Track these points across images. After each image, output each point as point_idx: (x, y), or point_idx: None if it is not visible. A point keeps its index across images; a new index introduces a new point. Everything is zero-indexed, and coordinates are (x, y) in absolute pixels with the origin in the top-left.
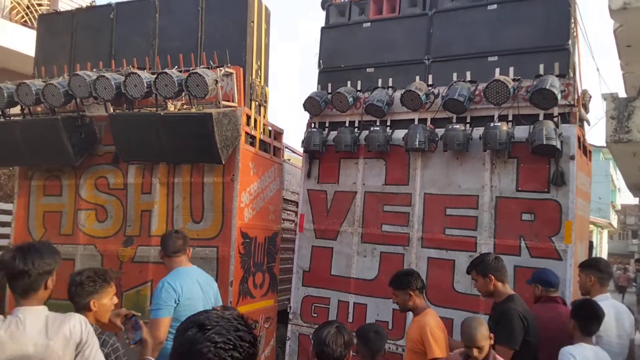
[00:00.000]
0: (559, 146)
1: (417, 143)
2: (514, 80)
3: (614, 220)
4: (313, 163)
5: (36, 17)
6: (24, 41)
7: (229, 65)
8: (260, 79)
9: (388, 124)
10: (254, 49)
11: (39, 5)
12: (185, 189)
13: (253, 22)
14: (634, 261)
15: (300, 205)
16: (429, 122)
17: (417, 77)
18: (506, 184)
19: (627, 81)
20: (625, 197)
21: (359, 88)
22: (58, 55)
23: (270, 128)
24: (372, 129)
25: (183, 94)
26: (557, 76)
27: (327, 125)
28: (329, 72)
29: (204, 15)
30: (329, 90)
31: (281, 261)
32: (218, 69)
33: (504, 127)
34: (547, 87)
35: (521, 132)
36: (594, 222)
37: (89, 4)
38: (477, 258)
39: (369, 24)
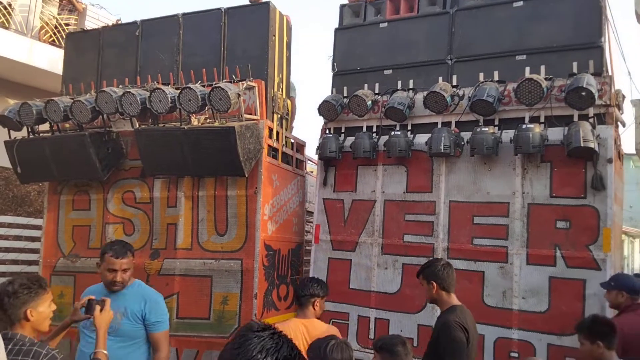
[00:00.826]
0: (597, 149)
1: (442, 147)
2: (546, 79)
3: None
4: (329, 171)
5: (64, 36)
6: (52, 60)
7: (251, 78)
8: (282, 91)
9: (409, 128)
10: (276, 62)
11: (67, 25)
12: (209, 202)
13: (275, 35)
14: None
15: (316, 215)
16: (453, 126)
17: (440, 79)
18: (539, 189)
19: None
20: None
21: (376, 91)
22: (85, 73)
23: (292, 140)
24: (392, 133)
25: (206, 108)
26: (592, 74)
27: (342, 130)
28: (344, 75)
29: (227, 30)
30: (345, 94)
31: (305, 273)
32: (240, 82)
33: (537, 129)
34: (584, 86)
35: (554, 134)
36: (625, 232)
37: (114, 22)
38: (427, 262)
39: (385, 24)
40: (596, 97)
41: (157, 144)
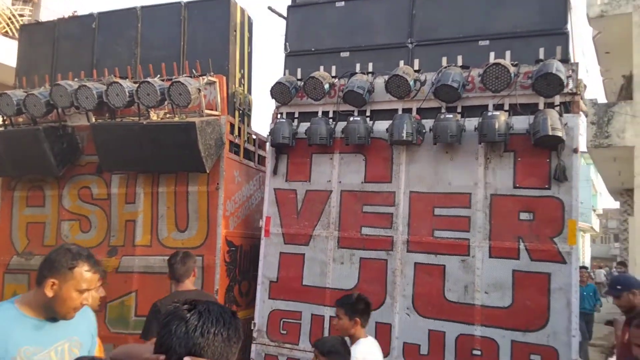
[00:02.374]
0: (565, 137)
1: (404, 134)
2: (512, 65)
3: (595, 224)
4: (280, 159)
5: (18, 27)
6: (5, 52)
7: (212, 74)
8: (244, 87)
9: (368, 114)
10: (237, 57)
11: (21, 15)
12: (169, 198)
13: (236, 31)
14: (616, 264)
15: (266, 206)
16: (414, 112)
17: (401, 62)
18: (502, 180)
19: (607, 87)
20: (606, 201)
21: (333, 74)
22: (40, 66)
23: (254, 136)
24: (351, 119)
25: (166, 103)
26: (560, 61)
27: (296, 116)
28: (297, 56)
29: (187, 24)
30: (299, 77)
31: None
32: (201, 77)
33: (503, 116)
34: (554, 72)
35: (519, 123)
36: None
37: (71, 14)
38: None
39: (342, 3)
40: (565, 84)
41: (115, 139)
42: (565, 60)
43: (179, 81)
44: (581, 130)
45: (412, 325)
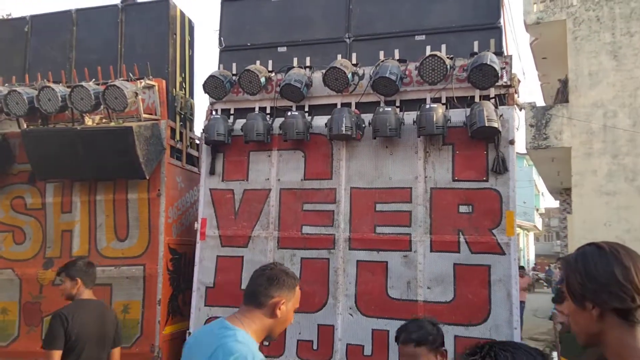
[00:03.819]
0: (500, 129)
1: (343, 128)
2: (448, 58)
3: (538, 223)
4: (216, 157)
5: None
6: None
7: (151, 77)
8: (185, 91)
9: (306, 110)
10: (178, 61)
11: None
12: (108, 206)
13: (175, 34)
14: (557, 260)
15: (201, 208)
16: (353, 107)
17: (339, 57)
18: (441, 173)
19: (544, 91)
20: (548, 201)
21: (270, 69)
22: None
23: (197, 141)
24: (289, 113)
25: (101, 108)
26: (494, 54)
27: (232, 112)
28: (232, 50)
29: (124, 27)
30: (234, 72)
31: None
32: (138, 81)
33: (440, 109)
34: (488, 63)
35: (456, 115)
36: (520, 225)
37: (2, 17)
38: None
39: None
40: (499, 75)
41: (48, 146)
42: (499, 53)
43: (114, 85)
44: (516, 122)
45: (355, 325)
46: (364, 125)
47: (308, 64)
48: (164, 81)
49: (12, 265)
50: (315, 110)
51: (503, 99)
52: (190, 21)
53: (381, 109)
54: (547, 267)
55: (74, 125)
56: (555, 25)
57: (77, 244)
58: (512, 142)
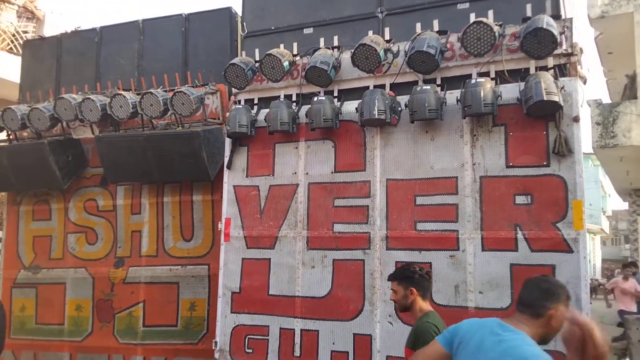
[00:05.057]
0: (562, 103)
1: (376, 112)
2: (496, 25)
3: (605, 226)
4: (239, 151)
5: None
6: (9, 68)
7: (214, 83)
8: None
9: (335, 95)
10: None
11: (25, 32)
12: (174, 207)
13: (236, 40)
14: (622, 266)
15: (225, 206)
16: (387, 89)
17: (370, 33)
18: (493, 159)
19: (611, 87)
20: (615, 202)
21: (294, 52)
22: (43, 80)
23: None
24: (315, 99)
25: (169, 113)
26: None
27: (255, 102)
28: (256, 36)
29: (188, 36)
30: (257, 59)
31: None
32: (203, 87)
33: (488, 84)
34: (544, 27)
35: (508, 91)
36: (587, 229)
37: (74, 29)
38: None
39: None
40: (558, 41)
41: (119, 150)
42: (557, 16)
43: (181, 91)
44: (580, 97)
45: (396, 335)
46: (400, 109)
47: (336, 44)
48: (225, 86)
49: (86, 264)
50: (346, 95)
51: (564, 70)
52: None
53: (419, 88)
54: (608, 273)
55: (144, 131)
56: (621, 18)
57: (146, 244)
58: (576, 120)
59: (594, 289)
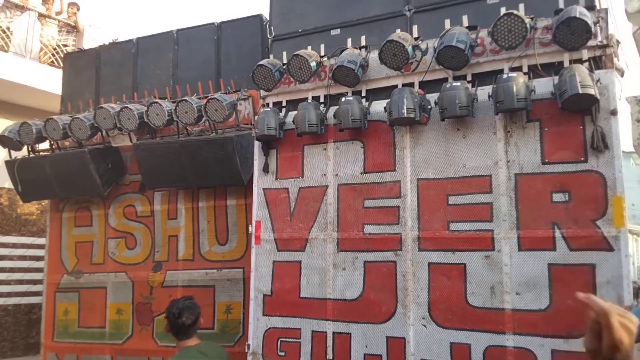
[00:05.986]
0: (598, 96)
1: (405, 110)
2: (528, 18)
3: None
4: (269, 154)
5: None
6: (51, 81)
7: (246, 89)
8: None
9: (363, 95)
10: None
11: (65, 45)
12: (209, 212)
13: (267, 47)
14: None
15: (255, 209)
16: (416, 87)
17: (398, 31)
18: (528, 156)
19: None
20: None
21: (322, 53)
22: (83, 91)
23: None
24: (343, 99)
25: (203, 120)
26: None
27: (283, 105)
28: (283, 39)
29: (220, 44)
30: (284, 61)
31: None
32: (235, 93)
33: (521, 78)
34: (577, 16)
35: (542, 86)
36: (629, 230)
37: (111, 41)
38: None
39: None
40: (592, 31)
41: (156, 157)
42: (590, 7)
43: (214, 98)
44: (618, 90)
45: (430, 338)
46: (429, 107)
47: (363, 43)
48: (257, 92)
49: (125, 268)
50: (374, 94)
51: (599, 62)
52: None
53: (448, 85)
54: None
55: (179, 137)
56: None
57: (183, 248)
58: (614, 113)
59: (637, 292)
